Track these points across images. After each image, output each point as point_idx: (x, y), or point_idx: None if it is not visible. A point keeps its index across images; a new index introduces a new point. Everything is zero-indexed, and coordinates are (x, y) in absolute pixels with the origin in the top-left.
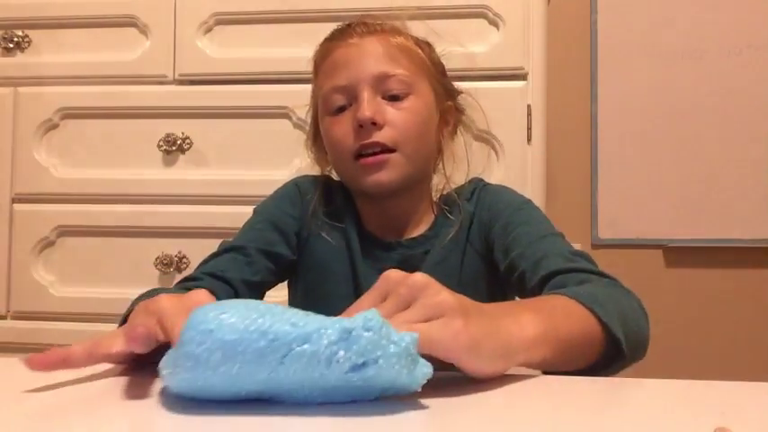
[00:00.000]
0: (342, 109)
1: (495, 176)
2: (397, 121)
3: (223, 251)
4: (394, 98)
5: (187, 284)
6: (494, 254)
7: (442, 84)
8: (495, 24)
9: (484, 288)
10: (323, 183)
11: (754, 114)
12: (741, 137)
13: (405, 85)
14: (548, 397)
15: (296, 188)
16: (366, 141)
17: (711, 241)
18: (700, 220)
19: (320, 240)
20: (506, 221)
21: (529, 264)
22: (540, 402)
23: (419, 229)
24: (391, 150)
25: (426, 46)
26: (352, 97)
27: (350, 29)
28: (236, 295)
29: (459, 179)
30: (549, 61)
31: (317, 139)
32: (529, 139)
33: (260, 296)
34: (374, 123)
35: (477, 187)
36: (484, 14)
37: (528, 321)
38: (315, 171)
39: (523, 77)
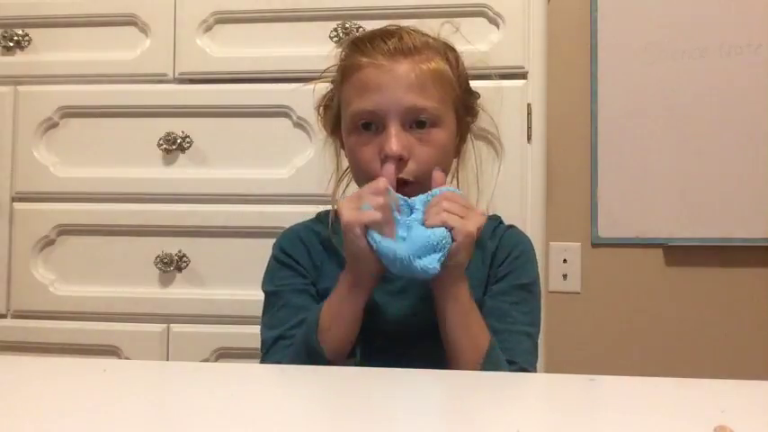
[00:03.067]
0: (367, 125)
1: (495, 176)
2: (422, 156)
3: (273, 342)
4: (420, 124)
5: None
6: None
7: (465, 103)
8: (496, 23)
9: None
10: (313, 228)
11: (754, 114)
12: (741, 137)
13: (433, 117)
14: (548, 396)
15: (293, 235)
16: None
17: (711, 240)
18: (700, 219)
19: (330, 267)
20: (507, 288)
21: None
22: (541, 401)
23: None
24: (412, 182)
25: (455, 58)
26: (380, 122)
27: (383, 43)
28: None
29: (462, 177)
30: (549, 60)
31: (337, 130)
32: (529, 138)
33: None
34: (400, 158)
35: (497, 227)
36: (484, 13)
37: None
38: (317, 166)
39: (523, 76)
